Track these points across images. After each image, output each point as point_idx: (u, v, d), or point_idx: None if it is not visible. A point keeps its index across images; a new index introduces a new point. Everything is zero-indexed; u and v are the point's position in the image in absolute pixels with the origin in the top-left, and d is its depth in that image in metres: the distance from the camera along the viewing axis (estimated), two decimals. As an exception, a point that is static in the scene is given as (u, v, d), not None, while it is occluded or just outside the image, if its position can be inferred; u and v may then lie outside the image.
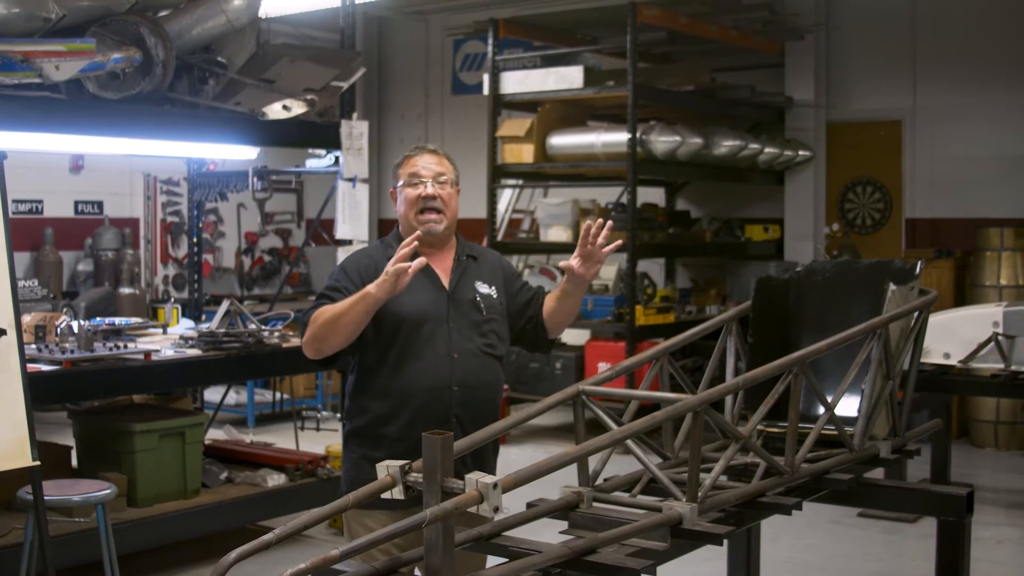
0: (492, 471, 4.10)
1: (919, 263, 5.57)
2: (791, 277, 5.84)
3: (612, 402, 4.78)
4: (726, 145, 10.60)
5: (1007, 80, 11.16)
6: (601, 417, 4.10)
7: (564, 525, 3.98)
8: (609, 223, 4.07)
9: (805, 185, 11.96)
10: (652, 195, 12.25)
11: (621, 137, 10.10)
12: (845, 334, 4.75)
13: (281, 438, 8.71)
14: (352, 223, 7.24)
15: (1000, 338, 7.81)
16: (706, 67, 11.32)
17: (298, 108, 6.55)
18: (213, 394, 9.41)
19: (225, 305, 6.72)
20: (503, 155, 10.77)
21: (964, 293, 10.91)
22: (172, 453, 6.57)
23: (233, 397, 10.11)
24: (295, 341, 7.10)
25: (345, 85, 6.93)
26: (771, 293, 5.61)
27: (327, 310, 3.85)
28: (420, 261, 3.75)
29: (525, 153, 10.59)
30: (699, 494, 3.90)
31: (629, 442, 3.89)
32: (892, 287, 5.26)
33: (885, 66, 11.84)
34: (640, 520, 3.74)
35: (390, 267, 3.69)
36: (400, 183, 4.05)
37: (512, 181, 11.36)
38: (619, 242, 4.24)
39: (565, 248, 10.84)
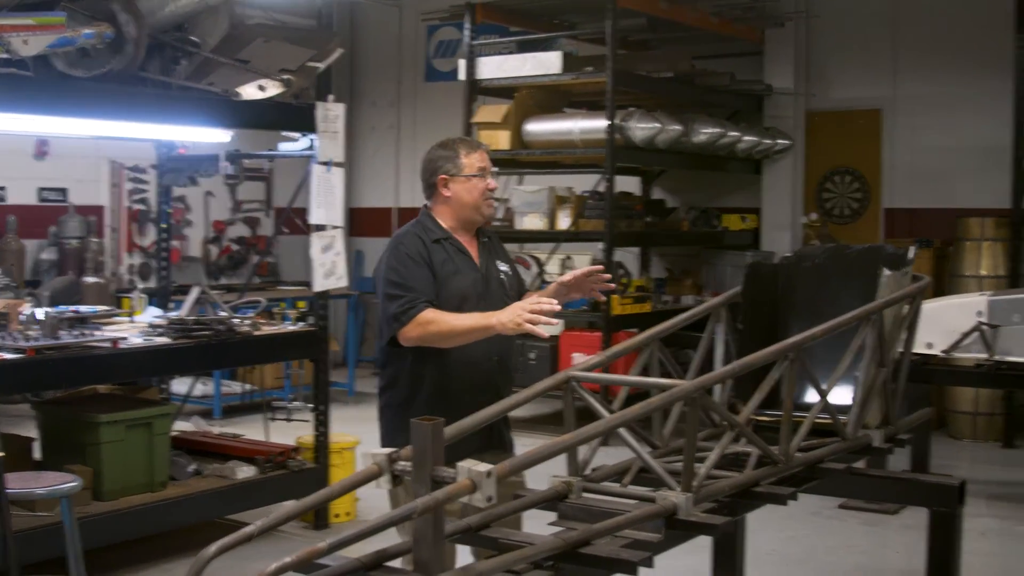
0: (511, 446, 4.61)
1: (911, 248, 5.45)
2: (781, 263, 5.73)
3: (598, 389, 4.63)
4: (705, 133, 10.46)
5: (986, 70, 11.05)
6: (592, 404, 3.94)
7: (553, 516, 3.83)
8: (608, 276, 4.54)
9: (783, 174, 11.84)
10: (627, 184, 12.08)
11: (599, 124, 9.94)
12: (840, 320, 4.62)
13: (250, 430, 8.48)
14: (327, 208, 7.04)
15: (984, 328, 7.70)
16: (686, 54, 11.18)
17: (273, 88, 6.35)
18: (178, 386, 9.18)
19: (195, 292, 6.53)
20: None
21: (944, 283, 10.81)
22: (139, 445, 6.36)
23: (199, 388, 9.89)
24: (267, 329, 6.93)
25: (322, 66, 6.73)
26: (761, 279, 5.48)
27: (439, 320, 4.21)
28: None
29: (501, 139, 10.41)
30: (694, 484, 3.75)
31: (621, 430, 3.74)
32: (886, 272, 5.13)
33: (865, 55, 11.72)
34: (633, 511, 3.59)
35: (530, 311, 4.06)
36: (468, 174, 4.40)
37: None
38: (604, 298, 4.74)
39: (540, 237, 10.70)
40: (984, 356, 7.72)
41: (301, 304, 9.96)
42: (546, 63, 10.20)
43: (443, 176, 4.42)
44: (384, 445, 4.38)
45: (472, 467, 2.95)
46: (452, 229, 4.44)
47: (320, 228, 7.06)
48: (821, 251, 5.71)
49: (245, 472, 6.79)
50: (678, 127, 10.12)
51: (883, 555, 7.02)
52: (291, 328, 7.05)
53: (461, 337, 4.22)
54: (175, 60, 6.46)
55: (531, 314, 4.05)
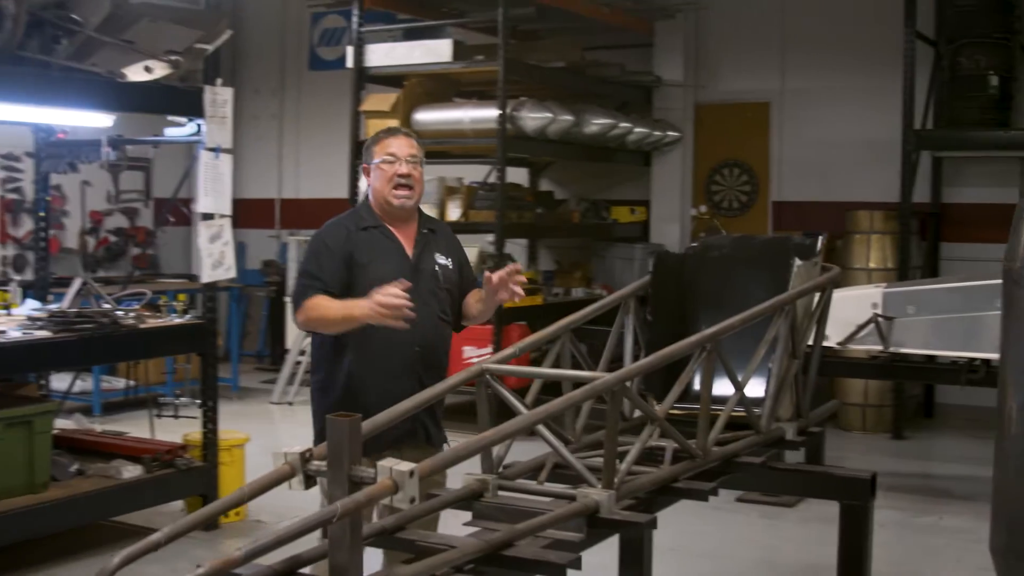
0: (439, 441, 4.54)
1: (820, 238, 5.40)
2: (687, 253, 5.64)
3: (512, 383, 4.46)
4: (597, 123, 10.36)
5: (874, 64, 11.15)
6: (508, 399, 3.80)
7: (468, 516, 3.68)
8: (523, 279, 4.43)
9: (672, 166, 11.82)
10: (516, 175, 11.93)
11: (490, 113, 9.77)
12: (755, 310, 4.54)
13: (133, 427, 8.18)
14: (215, 196, 6.77)
15: (880, 320, 7.72)
16: (577, 44, 11.06)
17: (161, 70, 6.07)
18: (57, 382, 8.78)
19: (77, 283, 6.22)
20: (367, 131, 10.34)
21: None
22: (18, 444, 6.01)
23: (78, 384, 9.48)
24: (153, 322, 6.64)
25: (211, 48, 6.46)
26: (667, 270, 5.39)
27: (319, 307, 4.28)
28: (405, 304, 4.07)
29: (390, 129, 10.17)
30: (615, 480, 3.62)
31: (540, 427, 3.59)
32: (798, 262, 5.08)
33: (754, 48, 11.77)
34: (555, 510, 3.45)
35: (382, 300, 4.04)
36: (376, 160, 4.41)
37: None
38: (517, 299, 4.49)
39: (432, 228, 10.48)
40: (879, 348, 7.74)
41: (182, 297, 9.62)
42: (436, 51, 10.00)
43: (364, 165, 4.52)
44: (315, 430, 4.52)
45: (394, 467, 2.77)
46: (383, 218, 4.46)
47: (208, 217, 6.79)
48: (727, 241, 5.66)
49: (131, 471, 6.49)
50: (569, 117, 10.01)
51: (784, 548, 6.98)
52: (177, 321, 6.77)
53: (335, 325, 4.28)
54: (55, 39, 6.15)
55: (381, 307, 4.04)
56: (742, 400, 4.45)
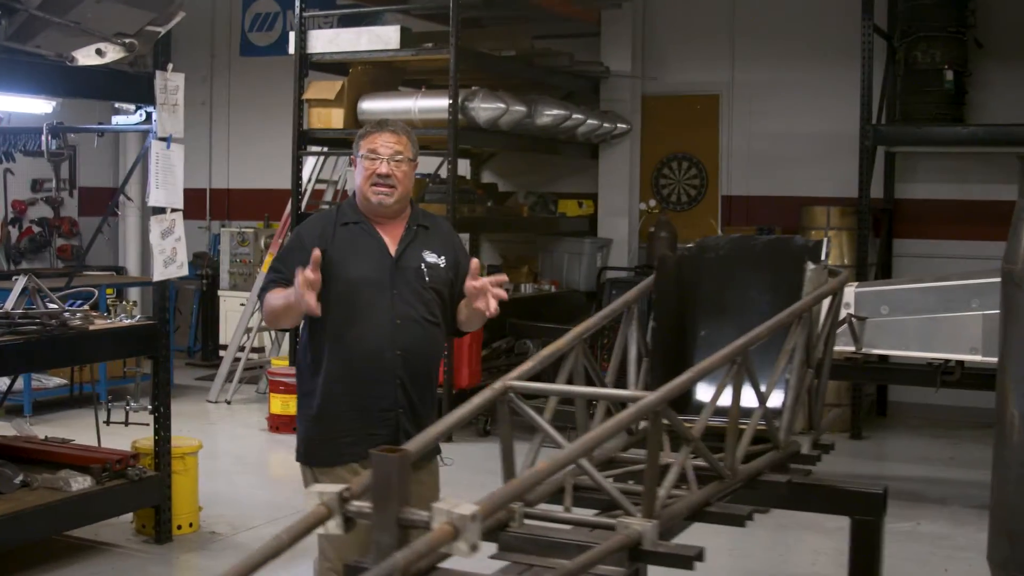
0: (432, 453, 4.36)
1: (825, 240, 5.15)
2: (683, 254, 5.36)
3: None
4: (549, 115, 10.05)
5: (824, 57, 11.00)
6: (536, 420, 3.46)
7: (493, 547, 3.35)
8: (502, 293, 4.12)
9: (620, 159, 11.55)
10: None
11: (441, 103, 9.42)
12: (780, 318, 4.26)
13: (69, 428, 7.71)
14: (166, 189, 6.35)
15: (853, 320, 7.51)
16: (526, 33, 10.75)
17: (114, 53, 5.63)
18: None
19: (22, 281, 5.75)
20: (309, 120, 9.93)
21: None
22: (-42, 455, 5.58)
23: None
24: (101, 323, 6.21)
25: (163, 30, 6.03)
26: (666, 272, 5.10)
27: (271, 298, 4.09)
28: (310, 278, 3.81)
29: (334, 118, 9.79)
30: (655, 508, 3.32)
31: (583, 461, 3.26)
32: (811, 266, 4.82)
33: (703, 39, 11.55)
34: (594, 543, 3.14)
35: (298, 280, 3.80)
36: (360, 154, 4.18)
37: (317, 148, 10.50)
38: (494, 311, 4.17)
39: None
40: (851, 349, 7.53)
41: (110, 291, 9.18)
42: (384, 38, 9.61)
43: (352, 157, 4.33)
44: (297, 447, 4.31)
45: (452, 508, 2.43)
46: (367, 213, 4.25)
47: (159, 211, 6.37)
48: (724, 242, 5.36)
49: (80, 483, 6.04)
50: (522, 108, 9.69)
51: (764, 557, 6.76)
52: (128, 322, 6.34)
53: (284, 315, 4.10)
54: (-5, 19, 5.68)
55: (300, 289, 3.80)
56: (765, 414, 4.17)
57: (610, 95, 11.51)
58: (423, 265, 4.21)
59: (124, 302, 6.56)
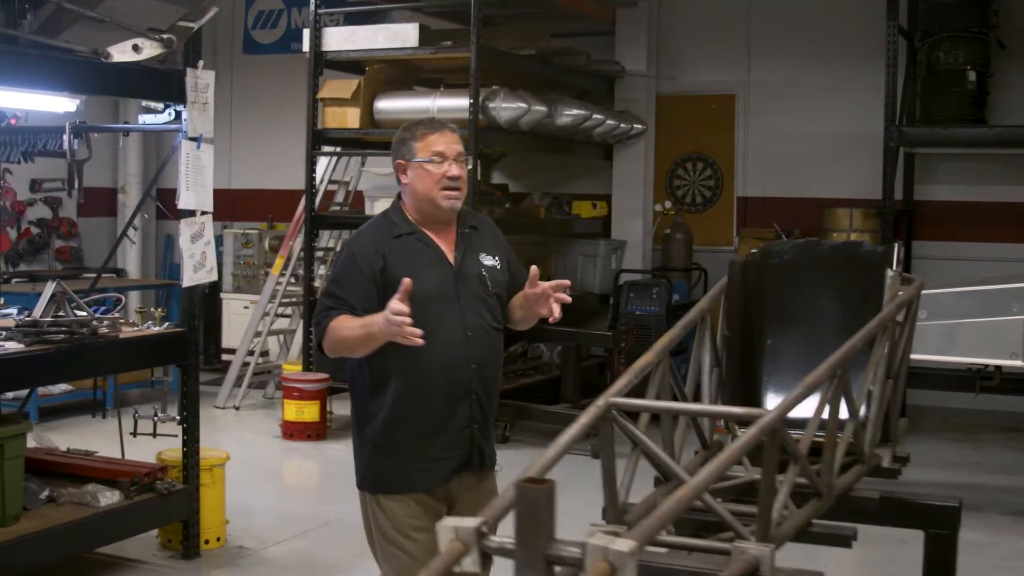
0: (492, 462, 4.11)
1: (896, 245, 4.97)
2: (747, 260, 5.17)
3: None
4: (569, 115, 9.84)
5: (842, 57, 10.85)
6: (644, 443, 3.25)
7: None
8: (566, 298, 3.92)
9: (635, 160, 11.35)
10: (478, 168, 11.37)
11: (460, 103, 9.20)
12: (870, 328, 4.07)
13: (74, 436, 7.48)
14: (196, 191, 6.12)
15: (893, 325, 7.33)
16: (544, 31, 10.54)
17: (151, 49, 5.40)
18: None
19: (50, 287, 5.51)
20: (324, 119, 9.70)
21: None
22: (-13, 471, 5.32)
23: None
24: (129, 330, 5.98)
25: (196, 26, 5.80)
26: (735, 279, 4.91)
27: (339, 328, 3.77)
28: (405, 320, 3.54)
29: (350, 117, 9.56)
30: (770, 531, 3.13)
31: (707, 496, 3.05)
32: (890, 272, 4.64)
33: (719, 38, 11.38)
34: (719, 570, 2.94)
35: (391, 318, 3.52)
36: (420, 159, 3.90)
37: (329, 148, 10.26)
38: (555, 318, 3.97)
39: (395, 224, 9.88)
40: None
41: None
42: (402, 36, 9.38)
43: (400, 161, 3.98)
44: (358, 473, 4.04)
45: (608, 545, 2.22)
46: (419, 221, 3.98)
47: (188, 214, 6.14)
48: (788, 247, 5.17)
49: (108, 498, 5.80)
50: (543, 108, 9.48)
51: (844, 572, 6.55)
52: (156, 330, 6.10)
53: (357, 346, 3.77)
54: (22, 13, 5.44)
55: (395, 325, 3.53)
56: (856, 428, 3.98)
57: (625, 95, 11.32)
58: (483, 270, 4.00)
59: (152, 309, 6.30)
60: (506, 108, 9.19)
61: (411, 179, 3.94)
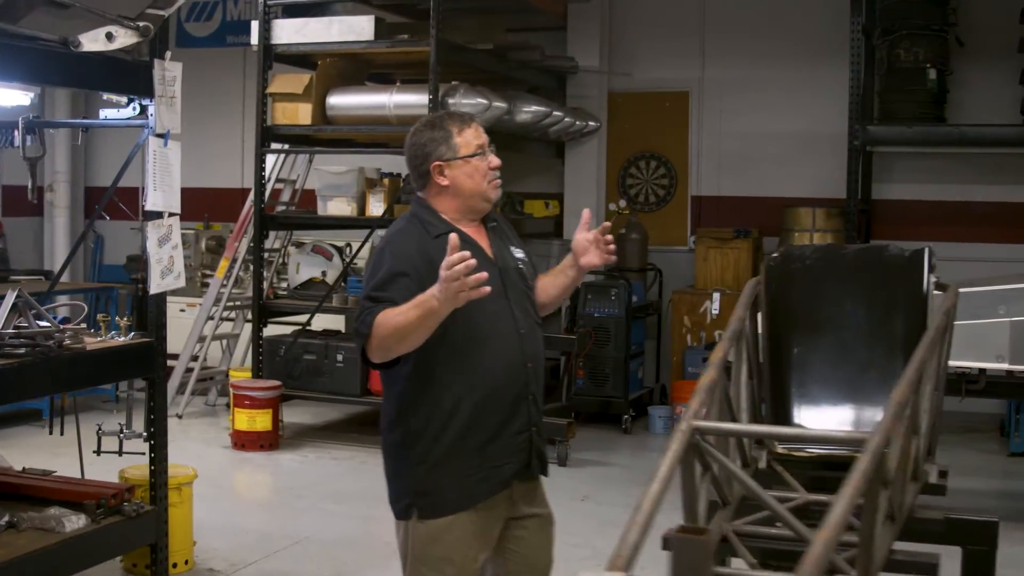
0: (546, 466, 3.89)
1: (927, 249, 4.75)
2: (768, 264, 4.93)
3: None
4: (528, 111, 9.55)
5: (799, 54, 10.70)
6: (736, 473, 2.97)
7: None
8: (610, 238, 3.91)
9: (587, 158, 11.09)
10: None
11: (418, 98, 8.87)
12: (931, 339, 3.83)
13: (25, 454, 6.99)
14: (164, 191, 5.70)
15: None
16: (500, 24, 10.22)
17: (126, 38, 4.98)
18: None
19: (11, 296, 5.07)
20: (274, 115, 9.29)
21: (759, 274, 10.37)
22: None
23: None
24: (93, 341, 5.55)
25: (167, 13, 5.39)
26: (771, 283, 4.67)
27: (388, 320, 3.46)
28: (469, 263, 3.30)
29: (302, 113, 9.17)
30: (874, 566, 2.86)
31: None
32: (934, 279, 4.44)
33: (672, 34, 11.16)
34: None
35: (450, 272, 3.28)
36: (465, 154, 3.70)
37: (277, 146, 9.83)
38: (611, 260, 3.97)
39: (348, 224, 9.53)
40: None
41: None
42: (357, 28, 9.00)
43: (438, 163, 3.72)
44: (391, 493, 3.75)
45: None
46: (455, 220, 3.76)
47: (156, 216, 5.73)
48: (811, 251, 4.91)
49: (74, 522, 5.36)
50: (503, 105, 9.17)
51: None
52: (122, 340, 5.68)
53: (415, 328, 3.44)
54: (-26, -3, 5.00)
55: (453, 279, 3.28)
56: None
57: (577, 91, 11.05)
58: (519, 264, 3.86)
59: (120, 318, 5.87)
60: (466, 104, 8.86)
61: (455, 177, 3.72)
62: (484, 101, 8.93)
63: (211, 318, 10.33)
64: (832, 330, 4.70)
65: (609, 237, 3.87)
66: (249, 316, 10.28)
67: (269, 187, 9.97)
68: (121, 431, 5.95)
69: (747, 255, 10.39)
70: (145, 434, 5.83)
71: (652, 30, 11.19)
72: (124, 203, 12.73)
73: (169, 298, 11.52)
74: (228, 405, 9.74)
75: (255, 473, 8.59)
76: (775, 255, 4.91)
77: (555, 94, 10.97)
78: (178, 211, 5.82)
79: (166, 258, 5.76)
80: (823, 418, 4.30)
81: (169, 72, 5.68)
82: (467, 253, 3.28)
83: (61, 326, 5.34)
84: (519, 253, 3.90)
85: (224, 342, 10.71)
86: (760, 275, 4.70)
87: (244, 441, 8.91)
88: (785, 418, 4.27)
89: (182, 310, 11.33)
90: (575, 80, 11.02)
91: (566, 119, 10.10)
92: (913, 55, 9.92)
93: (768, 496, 2.96)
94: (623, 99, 11.28)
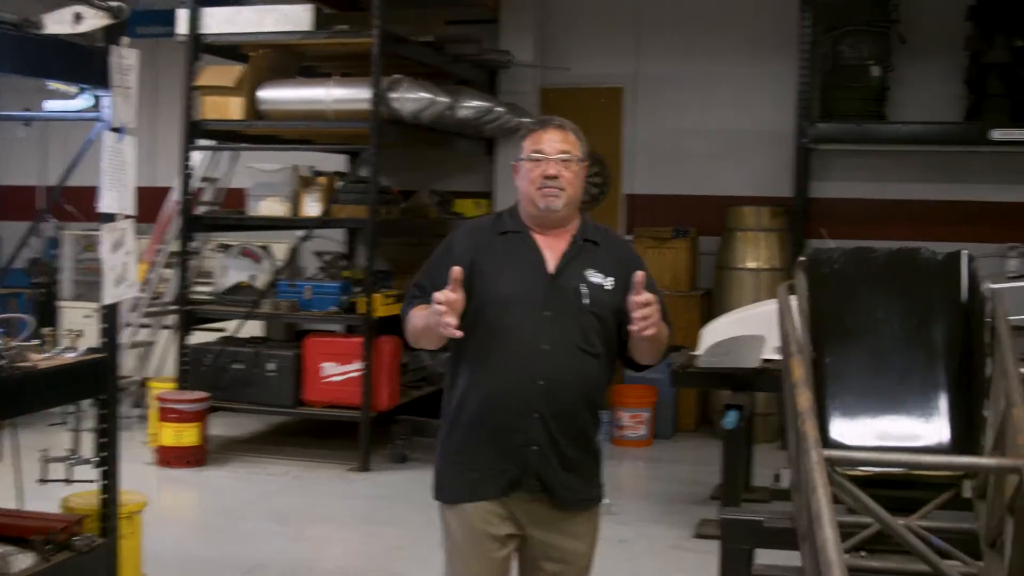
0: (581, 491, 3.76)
1: (963, 253, 4.52)
2: (794, 267, 4.67)
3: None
4: (470, 107, 9.17)
5: (737, 50, 10.48)
6: (872, 508, 2.62)
7: None
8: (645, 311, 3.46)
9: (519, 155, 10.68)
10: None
11: (359, 93, 8.44)
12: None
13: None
14: (119, 191, 5.17)
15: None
16: (437, 17, 9.80)
17: (95, 19, 4.48)
18: None
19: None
20: (203, 109, 8.74)
21: (696, 274, 10.21)
22: None
23: None
24: (40, 358, 5.03)
25: (127, -5, 4.88)
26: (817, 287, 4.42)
27: (413, 318, 3.71)
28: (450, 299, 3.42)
29: (232, 108, 8.65)
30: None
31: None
32: (991, 285, 4.20)
33: (606, 29, 10.83)
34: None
35: (434, 305, 3.43)
36: (523, 158, 3.75)
37: (206, 142, 9.26)
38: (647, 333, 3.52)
39: (282, 224, 9.03)
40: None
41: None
42: (293, 19, 8.49)
43: (513, 163, 3.85)
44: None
45: None
46: (529, 224, 3.75)
47: (109, 218, 5.21)
48: (839, 255, 4.64)
49: (22, 561, 4.81)
50: (446, 100, 8.77)
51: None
52: (72, 357, 5.14)
53: (423, 338, 3.69)
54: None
55: (436, 314, 3.41)
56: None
57: (509, 86, 10.67)
58: (583, 285, 3.67)
59: (70, 331, 5.34)
60: (410, 99, 8.45)
61: (518, 179, 3.80)
62: (428, 96, 8.53)
63: (129, 324, 9.71)
64: (866, 338, 4.47)
65: (642, 312, 3.44)
66: (166, 322, 9.72)
67: (196, 186, 9.40)
68: (70, 458, 5.41)
69: (686, 255, 10.15)
70: (95, 459, 5.29)
71: (586, 24, 10.87)
72: (21, 203, 12.07)
73: (72, 304, 11.12)
74: (145, 417, 9.20)
75: (188, 493, 8.05)
76: (802, 259, 4.63)
77: (486, 89, 10.57)
78: (134, 213, 5.29)
79: (119, 264, 5.23)
80: (862, 432, 4.06)
81: (126, 60, 5.16)
82: (449, 294, 3.37)
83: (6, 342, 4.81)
84: (596, 278, 3.68)
85: (141, 351, 10.10)
86: (797, 279, 4.43)
87: (170, 457, 8.38)
88: (821, 432, 3.97)
89: (87, 316, 10.69)
90: (508, 75, 10.65)
91: (505, 115, 9.71)
92: (857, 52, 9.74)
93: (910, 536, 2.62)
94: (556, 95, 10.94)
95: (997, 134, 8.93)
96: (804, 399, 3.00)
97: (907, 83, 10.09)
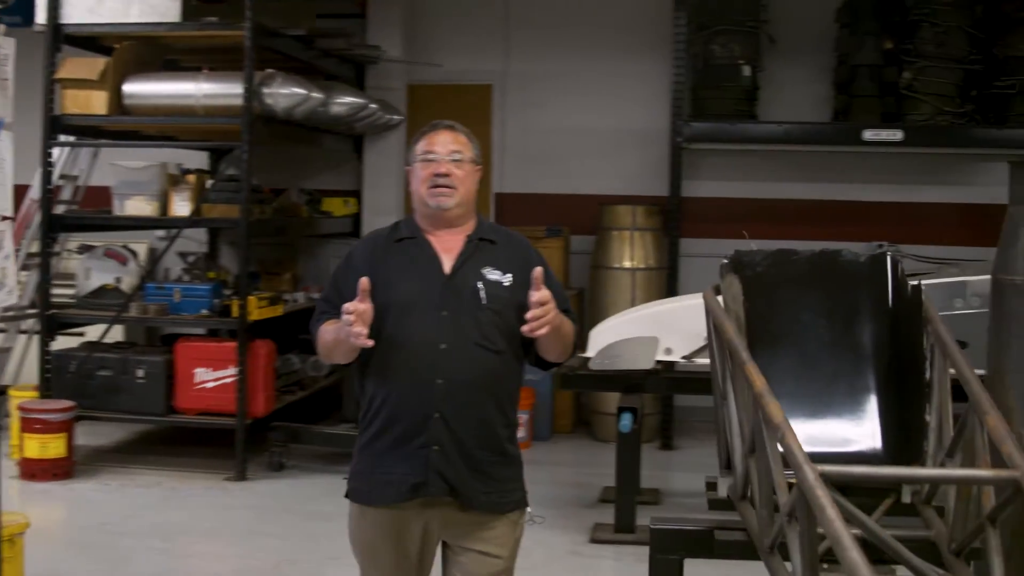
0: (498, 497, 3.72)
1: (887, 255, 4.53)
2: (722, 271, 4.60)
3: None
4: (344, 103, 8.93)
5: (611, 48, 10.46)
6: (871, 527, 2.54)
7: None
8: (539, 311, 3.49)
9: (388, 153, 10.48)
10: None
11: (231, 88, 8.13)
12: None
13: None
14: (-4, 191, 4.84)
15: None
16: (310, 10, 9.52)
17: (-17, 7, 4.14)
18: None
19: None
20: (64, 103, 8.33)
21: (571, 273, 10.16)
22: None
23: None
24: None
25: (9, -18, 4.55)
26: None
27: (323, 333, 3.73)
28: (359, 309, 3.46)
29: (95, 102, 8.25)
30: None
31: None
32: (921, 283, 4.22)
33: (475, 24, 10.71)
34: None
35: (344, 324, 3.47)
36: (415, 161, 3.78)
37: (66, 138, 8.82)
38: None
39: (149, 224, 8.68)
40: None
41: None
42: (160, 9, 8.14)
43: (407, 168, 3.88)
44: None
45: None
46: (424, 227, 3.78)
47: (-15, 221, 4.86)
48: (761, 257, 4.60)
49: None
50: (320, 95, 8.53)
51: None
52: (-50, 368, 4.79)
53: (336, 352, 3.70)
54: None
55: (345, 325, 3.46)
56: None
57: (377, 82, 10.45)
58: (480, 283, 3.68)
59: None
60: (284, 95, 8.20)
61: (412, 181, 3.81)
62: (302, 91, 8.28)
63: (-18, 331, 9.22)
64: (793, 342, 4.46)
65: (533, 313, 3.47)
66: (23, 327, 9.24)
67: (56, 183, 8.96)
68: (-51, 476, 5.05)
69: (559, 254, 10.09)
70: (-24, 478, 4.95)
71: (454, 19, 10.73)
72: None
73: (-83, 308, 10.48)
74: (5, 428, 8.74)
75: (58, 508, 7.63)
76: (726, 261, 4.58)
77: (354, 85, 10.34)
78: (11, 214, 4.95)
79: (-1, 270, 4.89)
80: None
81: (3, 50, 4.83)
82: (359, 304, 3.41)
83: None
84: (493, 275, 3.69)
85: (-8, 356, 9.59)
86: (727, 282, 4.37)
87: (35, 470, 7.95)
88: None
89: (-68, 322, 10.13)
90: (375, 71, 10.43)
91: (377, 112, 9.50)
92: (728, 51, 9.80)
93: (900, 546, 2.55)
94: (424, 91, 10.76)
95: (869, 134, 9.10)
96: (776, 411, 2.90)
97: (776, 83, 10.21)
